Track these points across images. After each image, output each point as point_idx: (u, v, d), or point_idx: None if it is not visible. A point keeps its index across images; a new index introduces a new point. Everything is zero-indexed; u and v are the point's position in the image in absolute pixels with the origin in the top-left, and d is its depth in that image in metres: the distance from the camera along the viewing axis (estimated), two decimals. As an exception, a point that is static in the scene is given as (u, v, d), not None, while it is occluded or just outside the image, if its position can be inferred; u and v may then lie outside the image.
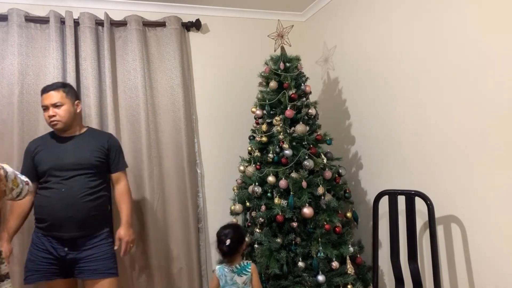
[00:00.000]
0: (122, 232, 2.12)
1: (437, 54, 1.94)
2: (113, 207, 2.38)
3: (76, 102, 2.10)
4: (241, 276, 2.01)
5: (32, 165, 2.04)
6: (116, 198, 2.21)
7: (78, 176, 1.99)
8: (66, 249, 1.95)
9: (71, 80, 2.46)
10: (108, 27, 2.63)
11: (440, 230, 1.96)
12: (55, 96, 2.00)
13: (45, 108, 2.01)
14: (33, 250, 1.99)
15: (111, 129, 2.54)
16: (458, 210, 1.87)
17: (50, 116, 1.99)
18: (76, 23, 2.56)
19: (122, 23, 2.70)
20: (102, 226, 2.07)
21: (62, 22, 2.53)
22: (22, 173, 2.06)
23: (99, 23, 2.62)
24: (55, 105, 1.99)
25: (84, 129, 2.16)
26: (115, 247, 2.13)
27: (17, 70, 2.41)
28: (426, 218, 1.92)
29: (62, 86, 2.06)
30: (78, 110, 2.11)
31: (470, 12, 1.76)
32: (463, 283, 1.85)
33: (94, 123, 2.49)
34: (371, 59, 2.45)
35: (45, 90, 2.02)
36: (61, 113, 2.00)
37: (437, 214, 1.93)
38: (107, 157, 2.13)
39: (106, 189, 2.13)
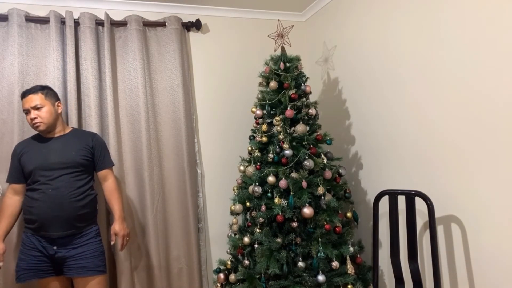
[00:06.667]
0: (117, 227, 2.18)
1: (437, 54, 1.94)
2: (100, 206, 2.39)
3: (56, 103, 2.15)
4: None
5: (19, 167, 2.09)
6: (106, 195, 2.25)
7: (64, 175, 2.03)
8: (55, 247, 2.00)
9: (71, 80, 2.47)
10: (108, 27, 2.63)
11: (440, 230, 1.96)
12: (34, 99, 2.04)
13: (27, 111, 2.06)
14: (23, 250, 2.03)
15: (111, 129, 2.54)
16: (458, 210, 1.87)
17: (32, 119, 2.04)
18: (76, 23, 2.56)
19: (122, 23, 2.70)
20: (90, 225, 2.12)
21: (62, 22, 2.54)
22: (10, 175, 2.10)
23: (99, 23, 2.62)
24: (36, 108, 2.04)
25: (69, 130, 2.21)
26: (112, 243, 2.21)
27: (17, 70, 2.41)
28: (426, 218, 1.92)
29: (41, 88, 2.09)
30: (59, 111, 2.16)
31: (469, 13, 1.76)
32: (463, 283, 1.85)
33: (94, 123, 2.49)
34: (371, 59, 2.45)
35: (25, 94, 2.07)
36: (43, 114, 2.05)
37: (437, 214, 1.93)
38: (93, 156, 2.18)
39: (93, 188, 2.17)
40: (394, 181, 2.28)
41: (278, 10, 3.11)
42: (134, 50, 2.67)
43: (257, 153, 2.36)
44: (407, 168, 2.18)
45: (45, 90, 2.11)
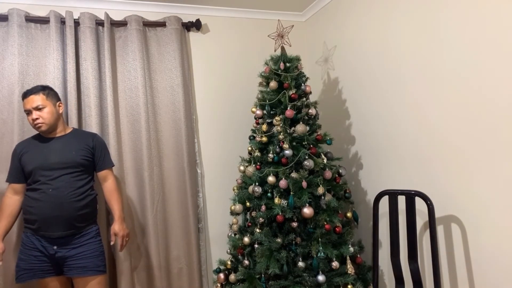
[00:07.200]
0: (117, 227, 2.19)
1: (437, 54, 1.94)
2: (100, 206, 2.39)
3: (57, 103, 2.15)
4: None
5: (19, 167, 2.09)
6: (105, 196, 2.25)
7: (64, 175, 2.03)
8: (55, 247, 2.00)
9: (71, 80, 2.47)
10: (108, 27, 2.63)
11: (440, 230, 1.96)
12: (36, 100, 2.04)
13: (28, 112, 2.06)
14: (23, 250, 2.03)
15: (111, 129, 2.54)
16: (458, 210, 1.87)
17: (34, 119, 2.04)
18: (76, 23, 2.56)
19: (122, 23, 2.70)
20: (90, 225, 2.12)
21: (63, 22, 2.54)
22: (10, 174, 2.10)
23: (99, 23, 2.62)
24: (37, 108, 2.04)
25: (69, 130, 2.21)
26: (112, 243, 2.22)
27: (17, 70, 2.41)
28: (426, 218, 1.93)
29: (42, 89, 2.09)
30: (60, 111, 2.16)
31: (469, 13, 1.76)
32: (463, 283, 1.85)
33: (94, 123, 2.49)
34: (371, 59, 2.45)
35: (26, 95, 2.06)
36: (44, 115, 2.05)
37: (437, 214, 1.93)
38: (93, 156, 2.18)
39: (93, 188, 2.17)
40: (394, 181, 2.28)
41: (278, 10, 3.11)
42: (134, 50, 2.67)
43: (257, 153, 2.36)
44: (407, 168, 2.18)
45: (47, 90, 2.11)
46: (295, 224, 2.15)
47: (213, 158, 2.93)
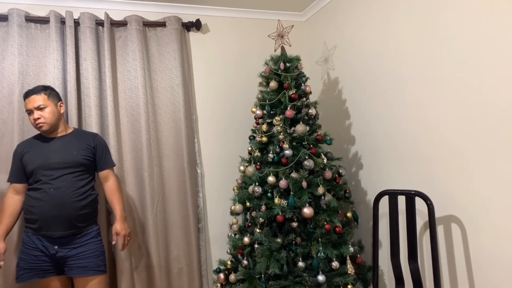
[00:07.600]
0: (118, 226, 2.19)
1: (437, 54, 1.94)
2: (101, 206, 2.39)
3: (59, 103, 2.16)
4: None
5: (21, 167, 2.10)
6: (107, 195, 2.26)
7: (65, 175, 2.04)
8: (56, 247, 2.01)
9: (71, 80, 2.47)
10: (108, 27, 2.63)
11: (440, 230, 1.96)
12: (37, 99, 2.04)
13: (30, 112, 2.06)
14: (24, 250, 2.04)
15: (111, 129, 2.54)
16: (458, 210, 1.87)
17: (35, 119, 2.04)
18: (76, 23, 2.56)
19: (122, 23, 2.70)
20: (91, 225, 2.13)
21: (63, 22, 2.54)
22: (12, 174, 2.11)
23: (99, 23, 2.62)
24: (39, 108, 2.04)
25: (70, 130, 2.22)
26: (113, 242, 2.22)
27: (17, 70, 2.41)
28: (426, 218, 1.93)
29: (44, 89, 2.09)
30: (61, 111, 2.17)
31: (469, 13, 1.76)
32: (463, 283, 1.85)
33: (94, 123, 2.49)
34: (371, 59, 2.45)
35: (27, 94, 2.07)
36: (46, 115, 2.05)
37: (437, 214, 1.93)
38: (94, 156, 2.19)
39: (94, 188, 2.17)
40: (394, 181, 2.28)
41: (278, 10, 3.11)
42: (134, 50, 2.67)
43: (257, 153, 2.36)
44: (407, 168, 2.18)
45: (48, 90, 2.11)
46: (295, 224, 2.15)
47: (213, 158, 2.93)
